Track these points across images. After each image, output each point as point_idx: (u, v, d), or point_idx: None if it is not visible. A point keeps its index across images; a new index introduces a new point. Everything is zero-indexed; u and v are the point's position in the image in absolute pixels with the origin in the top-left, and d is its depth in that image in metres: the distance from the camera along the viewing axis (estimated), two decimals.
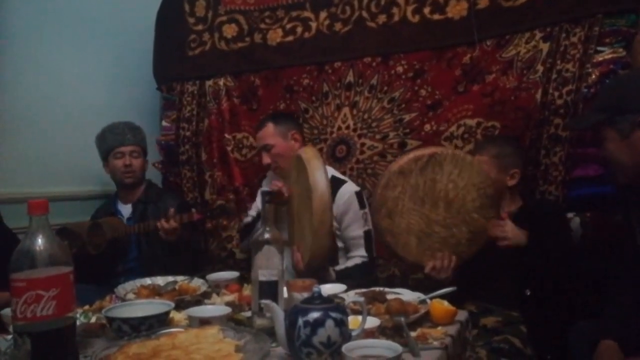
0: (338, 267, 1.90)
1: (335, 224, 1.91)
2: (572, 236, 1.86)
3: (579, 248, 1.86)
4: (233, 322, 1.27)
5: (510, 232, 1.69)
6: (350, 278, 1.81)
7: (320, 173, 1.71)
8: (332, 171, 2.07)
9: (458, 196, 1.71)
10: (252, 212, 2.31)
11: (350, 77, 2.42)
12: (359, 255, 1.93)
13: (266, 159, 2.12)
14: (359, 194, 1.97)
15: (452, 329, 1.23)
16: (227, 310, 1.29)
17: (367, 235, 1.94)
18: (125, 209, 2.35)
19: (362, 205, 1.96)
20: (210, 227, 2.61)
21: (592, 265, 1.84)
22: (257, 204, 2.29)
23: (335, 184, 1.95)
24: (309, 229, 1.72)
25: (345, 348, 0.97)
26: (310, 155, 1.81)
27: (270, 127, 2.11)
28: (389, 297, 1.40)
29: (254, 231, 2.09)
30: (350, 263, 1.92)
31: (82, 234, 2.13)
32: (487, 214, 1.73)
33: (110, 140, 2.31)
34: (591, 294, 1.76)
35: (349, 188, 1.97)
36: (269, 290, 1.19)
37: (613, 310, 1.45)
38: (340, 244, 1.98)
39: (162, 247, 2.15)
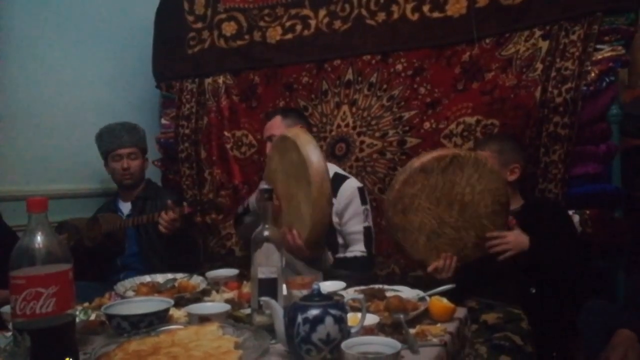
0: (338, 255, 1.91)
1: (336, 218, 1.92)
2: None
3: (583, 244, 1.86)
4: (232, 319, 1.27)
5: (513, 242, 1.70)
6: (348, 268, 1.83)
7: (311, 146, 1.69)
8: (335, 168, 2.08)
9: (473, 200, 1.70)
10: (251, 199, 2.30)
11: (349, 75, 2.42)
12: (358, 250, 1.94)
13: (269, 149, 2.12)
14: (361, 190, 1.98)
15: (451, 326, 1.23)
16: (227, 307, 1.29)
17: (366, 231, 1.95)
18: (125, 207, 2.38)
19: (363, 202, 1.97)
20: (200, 221, 2.61)
21: (593, 261, 1.86)
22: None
23: (339, 180, 1.96)
24: (307, 202, 1.69)
25: (344, 345, 0.97)
26: (296, 131, 1.80)
27: (278, 120, 2.13)
28: (388, 294, 1.40)
29: (246, 222, 2.13)
30: (349, 255, 1.93)
31: (80, 227, 2.18)
32: (497, 220, 1.73)
33: (107, 143, 2.32)
34: (594, 290, 1.77)
35: (352, 184, 1.98)
36: (269, 287, 1.19)
37: (633, 301, 1.45)
38: (340, 240, 1.99)
39: (161, 242, 2.16)
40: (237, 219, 2.32)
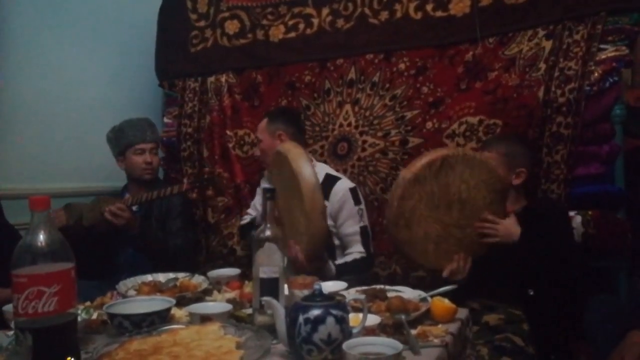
0: (337, 262, 1.90)
1: (330, 221, 1.91)
2: (574, 234, 1.85)
3: (581, 246, 1.85)
4: (234, 319, 1.27)
5: (502, 230, 1.69)
6: (350, 273, 1.83)
7: (302, 159, 1.73)
8: (326, 168, 2.08)
9: (470, 196, 1.69)
10: (251, 212, 2.31)
11: (352, 74, 2.41)
12: (356, 251, 1.93)
13: (257, 152, 2.23)
14: (353, 191, 1.97)
15: (453, 327, 1.23)
16: (228, 307, 1.29)
17: (363, 231, 1.95)
18: None
19: (357, 202, 1.96)
20: (196, 197, 2.63)
21: (595, 262, 1.85)
22: (256, 203, 2.30)
23: (330, 181, 1.96)
24: (302, 215, 1.71)
25: (345, 345, 0.97)
26: (288, 146, 1.84)
27: (264, 123, 2.16)
28: (389, 294, 1.40)
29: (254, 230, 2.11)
30: (349, 258, 1.92)
31: (81, 208, 2.18)
32: (497, 209, 1.72)
33: (131, 136, 2.29)
34: (596, 291, 1.76)
35: (344, 185, 1.97)
36: (270, 287, 1.19)
37: None
38: (336, 242, 1.98)
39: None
40: (243, 231, 2.32)
